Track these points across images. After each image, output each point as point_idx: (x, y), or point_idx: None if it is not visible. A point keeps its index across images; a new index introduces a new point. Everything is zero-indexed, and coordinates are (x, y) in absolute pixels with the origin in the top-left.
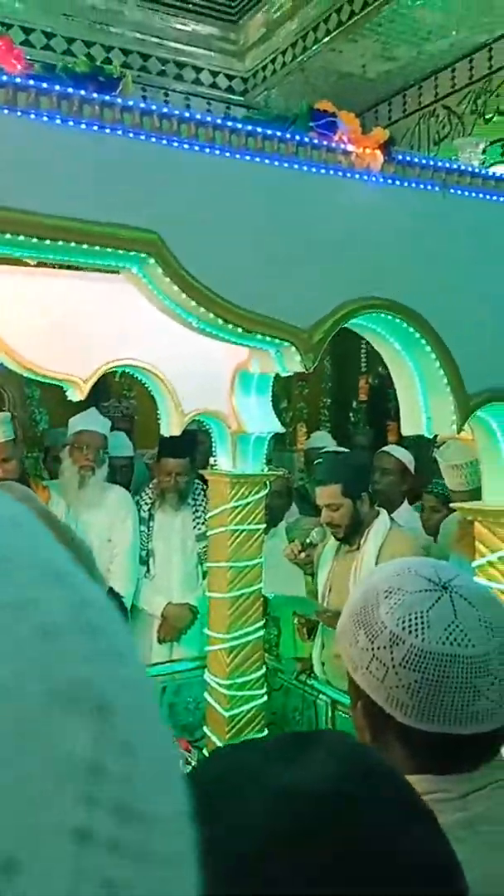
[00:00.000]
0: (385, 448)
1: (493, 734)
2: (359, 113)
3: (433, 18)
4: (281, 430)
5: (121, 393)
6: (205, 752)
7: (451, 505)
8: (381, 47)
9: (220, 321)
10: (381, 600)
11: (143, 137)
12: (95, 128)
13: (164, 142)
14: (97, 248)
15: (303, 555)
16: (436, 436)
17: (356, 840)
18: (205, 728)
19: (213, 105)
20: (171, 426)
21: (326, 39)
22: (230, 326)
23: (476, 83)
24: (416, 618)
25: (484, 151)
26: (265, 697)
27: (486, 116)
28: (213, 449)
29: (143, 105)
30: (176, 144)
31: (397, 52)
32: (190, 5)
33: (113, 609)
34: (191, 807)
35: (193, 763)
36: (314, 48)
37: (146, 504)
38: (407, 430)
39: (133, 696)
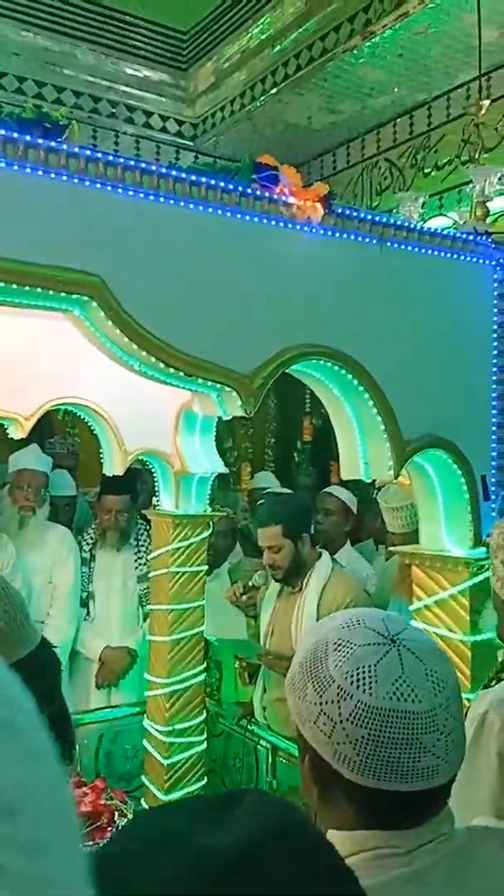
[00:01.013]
0: (328, 489)
1: (438, 789)
2: (304, 162)
3: (375, 76)
4: (225, 470)
5: (65, 430)
6: (142, 801)
7: (389, 549)
8: (326, 100)
9: (162, 365)
10: (330, 653)
11: (87, 183)
12: (40, 172)
13: (109, 188)
14: (39, 289)
15: (244, 597)
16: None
17: None
18: (143, 777)
19: (162, 149)
20: (114, 465)
21: (273, 91)
22: (171, 370)
23: (416, 138)
24: (363, 672)
25: (423, 205)
26: (205, 744)
27: (425, 171)
28: (156, 489)
29: (88, 152)
30: (121, 191)
31: (341, 106)
32: (141, 51)
33: (30, 703)
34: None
35: (129, 815)
36: (262, 98)
37: (87, 544)
38: (346, 475)
39: (43, 797)
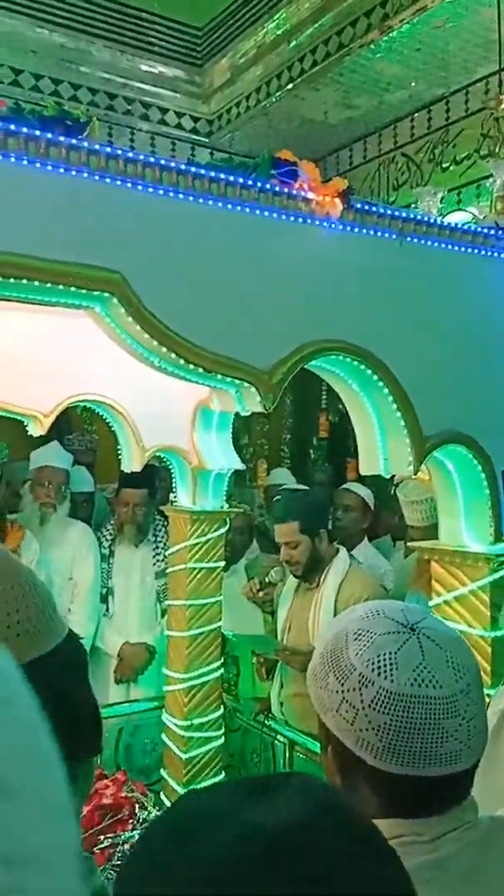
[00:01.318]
0: (346, 485)
1: (461, 775)
2: (320, 157)
3: (392, 71)
4: (241, 466)
5: (83, 427)
6: (161, 795)
7: (409, 544)
8: (343, 96)
9: (182, 361)
10: (350, 642)
11: (108, 180)
12: (62, 170)
13: (129, 185)
14: (60, 286)
15: (261, 593)
16: (393, 475)
17: (316, 875)
18: (161, 771)
19: (177, 145)
20: (132, 461)
21: (290, 86)
22: (191, 366)
23: (433, 133)
24: (384, 659)
25: (441, 200)
26: (223, 739)
27: (443, 165)
28: (174, 485)
29: (108, 149)
30: (140, 188)
31: (358, 101)
32: (156, 48)
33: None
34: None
35: (149, 807)
36: (277, 94)
37: (107, 540)
38: (365, 471)
39: (35, 773)
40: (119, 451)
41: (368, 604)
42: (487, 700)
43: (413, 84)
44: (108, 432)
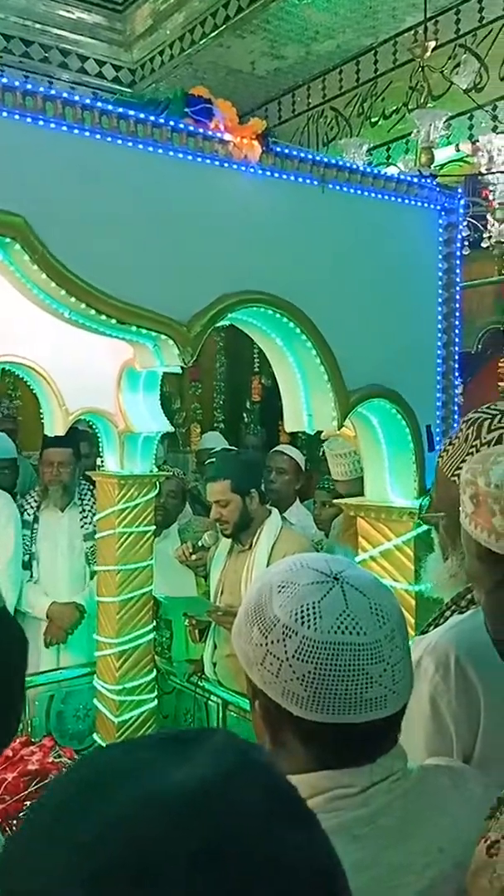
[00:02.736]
0: (278, 447)
1: (387, 721)
2: (248, 112)
3: (320, 19)
4: (170, 429)
5: (5, 393)
6: None
7: (336, 501)
8: (270, 45)
9: (93, 311)
10: (274, 595)
11: (5, 114)
12: None
13: (29, 120)
14: None
15: (194, 557)
16: (319, 432)
17: (230, 835)
18: (94, 735)
19: (99, 95)
20: (55, 425)
21: (214, 34)
22: (103, 317)
23: (362, 86)
24: (308, 609)
25: (368, 153)
26: (156, 701)
27: (372, 119)
28: (100, 449)
29: (4, 80)
30: (42, 123)
31: (285, 51)
32: None
33: None
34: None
35: None
36: (202, 42)
37: (31, 507)
38: (290, 427)
39: None
40: (42, 416)
41: (292, 557)
42: None
43: (341, 33)
44: (32, 397)
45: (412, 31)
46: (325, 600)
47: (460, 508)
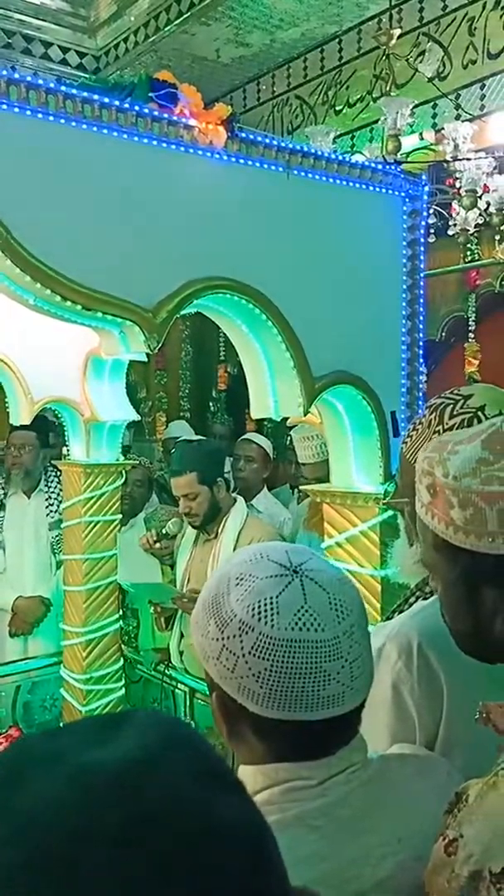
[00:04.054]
0: (246, 436)
1: (346, 717)
2: (213, 99)
3: (284, 6)
4: (136, 417)
5: None
6: None
7: (302, 487)
8: (234, 32)
9: (58, 298)
10: (231, 588)
11: None
12: None
13: None
14: None
15: (158, 545)
16: (285, 420)
17: (155, 813)
18: (61, 725)
19: (64, 80)
20: (20, 415)
21: (179, 21)
22: (69, 304)
23: (327, 74)
24: (265, 605)
25: (334, 141)
26: (123, 690)
27: (337, 108)
28: (66, 438)
29: None
30: (5, 107)
31: (250, 39)
32: None
33: None
34: None
35: None
36: (167, 29)
37: None
38: (256, 413)
39: None
40: (7, 405)
41: (253, 546)
42: None
43: (305, 21)
44: None
45: (376, 20)
46: (283, 595)
47: (416, 498)
